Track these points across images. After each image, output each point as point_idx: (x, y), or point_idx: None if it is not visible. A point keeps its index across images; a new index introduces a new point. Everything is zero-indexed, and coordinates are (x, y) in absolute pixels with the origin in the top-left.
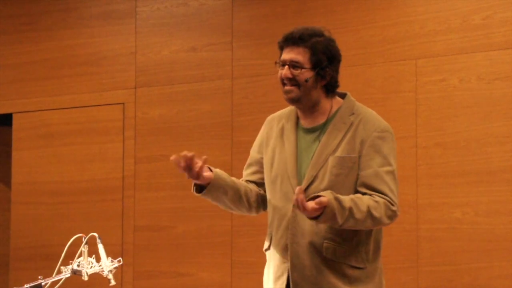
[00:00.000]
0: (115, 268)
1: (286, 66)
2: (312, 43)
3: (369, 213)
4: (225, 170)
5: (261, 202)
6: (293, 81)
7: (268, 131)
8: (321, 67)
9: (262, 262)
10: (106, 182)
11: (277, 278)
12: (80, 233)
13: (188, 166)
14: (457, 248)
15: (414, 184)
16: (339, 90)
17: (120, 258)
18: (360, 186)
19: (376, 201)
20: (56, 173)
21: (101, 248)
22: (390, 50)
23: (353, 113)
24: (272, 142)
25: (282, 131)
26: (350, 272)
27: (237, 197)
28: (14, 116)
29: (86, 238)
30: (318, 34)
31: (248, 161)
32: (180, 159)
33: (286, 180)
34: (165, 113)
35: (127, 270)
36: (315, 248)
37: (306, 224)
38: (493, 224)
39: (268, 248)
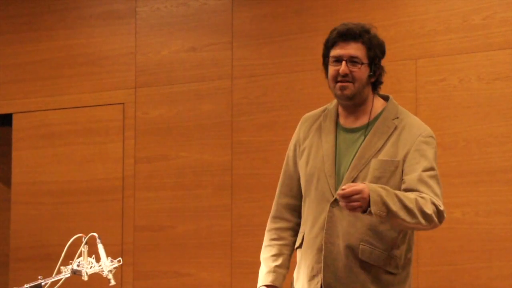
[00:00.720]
0: (115, 268)
1: (344, 62)
2: (368, 39)
3: (418, 206)
4: (225, 170)
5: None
6: (349, 77)
7: (304, 130)
8: (375, 62)
9: None
10: (106, 182)
11: (311, 278)
12: (80, 233)
13: None
14: (457, 248)
15: None
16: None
17: (120, 258)
18: (404, 190)
19: (423, 197)
20: (56, 173)
21: (101, 248)
22: (390, 50)
23: (397, 117)
24: (308, 141)
25: (320, 129)
26: (384, 276)
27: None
28: (14, 116)
29: (86, 238)
30: (370, 30)
31: (282, 177)
32: None
33: (323, 179)
34: (165, 113)
35: (127, 270)
36: (350, 250)
37: (343, 225)
38: (493, 224)
39: (300, 247)
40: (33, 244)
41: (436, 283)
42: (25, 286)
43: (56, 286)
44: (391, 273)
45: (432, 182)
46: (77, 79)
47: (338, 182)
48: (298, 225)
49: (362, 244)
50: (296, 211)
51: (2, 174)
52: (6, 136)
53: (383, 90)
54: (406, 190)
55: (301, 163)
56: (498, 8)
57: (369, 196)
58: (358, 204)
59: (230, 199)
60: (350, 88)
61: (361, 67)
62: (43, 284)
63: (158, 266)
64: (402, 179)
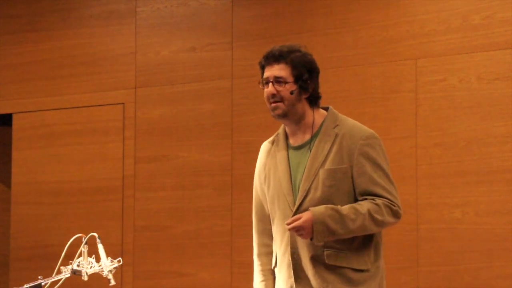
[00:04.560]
0: (115, 268)
1: (270, 84)
2: (291, 58)
3: (370, 216)
4: (225, 170)
5: None
6: (278, 97)
7: (262, 157)
8: (302, 79)
9: None
10: (106, 182)
11: None
12: (80, 233)
13: None
14: (457, 248)
15: (414, 184)
16: (322, 104)
17: (120, 258)
18: (359, 194)
19: (376, 204)
20: (56, 173)
21: (101, 248)
22: (390, 50)
23: (337, 125)
24: (267, 167)
25: (274, 153)
26: (354, 275)
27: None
28: (14, 116)
29: (86, 238)
30: (296, 50)
31: (253, 206)
32: None
33: (283, 198)
34: (165, 113)
35: (127, 270)
36: (316, 258)
37: None
38: (493, 224)
39: (275, 266)
40: (33, 244)
41: (436, 283)
42: (25, 286)
43: (56, 286)
44: (361, 271)
45: (383, 182)
46: (77, 79)
47: (295, 198)
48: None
49: (326, 250)
50: (271, 234)
51: (2, 174)
52: (6, 136)
53: (383, 89)
54: (361, 193)
55: (265, 188)
56: (498, 8)
57: (312, 228)
58: (303, 236)
59: (230, 199)
60: (281, 107)
61: (286, 86)
62: (43, 284)
63: (158, 266)
64: (354, 183)
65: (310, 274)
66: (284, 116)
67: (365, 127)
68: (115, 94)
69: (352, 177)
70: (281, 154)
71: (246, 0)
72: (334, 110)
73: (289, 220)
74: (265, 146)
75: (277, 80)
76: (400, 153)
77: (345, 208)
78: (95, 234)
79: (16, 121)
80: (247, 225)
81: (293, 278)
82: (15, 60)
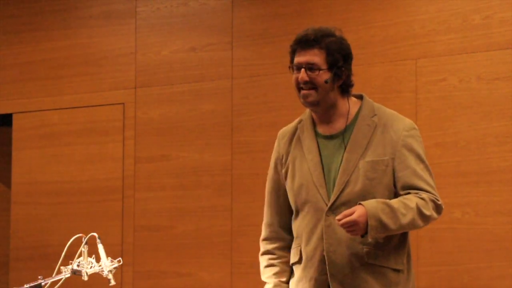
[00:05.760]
0: (115, 268)
1: (303, 69)
2: (326, 44)
3: (419, 210)
4: (225, 170)
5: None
6: (311, 84)
7: (284, 145)
8: (337, 66)
9: None
10: (106, 182)
11: None
12: (80, 233)
13: None
14: (457, 248)
15: None
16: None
17: (120, 258)
18: (401, 188)
19: (423, 198)
20: (56, 173)
21: (101, 248)
22: (390, 50)
23: (375, 114)
24: (290, 155)
25: (299, 141)
26: (392, 275)
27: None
28: (14, 116)
29: (86, 238)
30: (331, 34)
31: (268, 197)
32: None
33: (313, 190)
34: (165, 113)
35: (127, 270)
36: (355, 255)
37: (343, 232)
38: (493, 224)
39: (298, 262)
40: (33, 244)
41: (436, 283)
42: (25, 286)
43: (56, 286)
44: (397, 270)
45: (426, 176)
46: (77, 79)
47: (329, 190)
48: (292, 242)
49: (366, 247)
50: (289, 228)
51: (2, 174)
52: (6, 136)
53: (383, 89)
54: (403, 187)
55: (288, 180)
56: (498, 8)
57: (366, 223)
58: (355, 232)
59: (230, 199)
60: (313, 95)
61: (319, 73)
62: (43, 284)
63: (158, 266)
64: (395, 177)
65: (347, 271)
66: (316, 104)
67: (404, 117)
68: (115, 94)
69: (393, 170)
70: (310, 143)
71: (246, 0)
72: (369, 99)
73: (340, 216)
74: (285, 133)
75: (310, 67)
76: None
77: (395, 202)
78: (95, 234)
79: (16, 121)
80: (247, 225)
81: (327, 275)
82: (15, 60)
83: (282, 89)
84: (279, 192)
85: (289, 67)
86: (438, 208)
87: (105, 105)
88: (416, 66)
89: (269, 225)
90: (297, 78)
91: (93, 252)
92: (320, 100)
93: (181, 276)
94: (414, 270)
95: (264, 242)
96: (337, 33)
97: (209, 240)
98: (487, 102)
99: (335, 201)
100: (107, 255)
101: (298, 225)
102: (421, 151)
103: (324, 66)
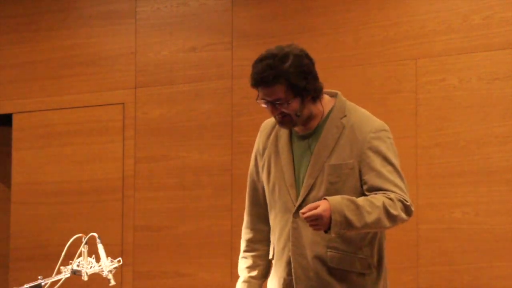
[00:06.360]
0: (114, 268)
1: (270, 105)
2: (284, 77)
3: (385, 210)
4: (225, 170)
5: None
6: (283, 113)
7: (263, 139)
8: (303, 88)
9: None
10: (106, 182)
11: None
12: (80, 233)
13: None
14: (457, 248)
15: (414, 184)
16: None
17: (120, 258)
18: (367, 190)
19: (390, 198)
20: (56, 173)
21: (100, 248)
22: (390, 50)
23: (345, 115)
24: (267, 151)
25: (276, 138)
26: (356, 279)
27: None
28: (14, 116)
29: (86, 238)
30: (285, 59)
31: (248, 189)
32: None
33: (284, 189)
34: (165, 113)
35: (127, 270)
36: (319, 259)
37: (308, 235)
38: (493, 224)
39: (273, 258)
40: (33, 244)
41: (436, 283)
42: (25, 286)
43: (56, 286)
44: (363, 274)
45: (393, 177)
46: (77, 79)
47: (298, 191)
48: (269, 233)
49: (330, 251)
50: (266, 220)
51: (2, 174)
52: (6, 136)
53: (383, 89)
54: (369, 190)
55: (264, 175)
56: (498, 8)
57: (330, 219)
58: (318, 227)
59: (230, 199)
60: (290, 122)
61: (288, 105)
62: (43, 284)
63: (158, 266)
64: (361, 180)
65: (311, 274)
66: (293, 126)
67: (374, 118)
68: (115, 94)
69: (359, 173)
70: (285, 142)
71: (246, 0)
72: (343, 98)
73: (304, 209)
74: (265, 127)
75: (277, 103)
76: (400, 153)
77: (361, 200)
78: (95, 234)
79: (16, 121)
80: None
81: (293, 276)
82: (15, 60)
83: None
84: (258, 184)
85: (256, 100)
86: (407, 209)
87: (105, 105)
88: (416, 66)
89: (248, 215)
90: (268, 110)
91: (93, 252)
92: (297, 121)
93: (181, 276)
94: (415, 270)
95: (243, 230)
96: (291, 53)
97: (209, 240)
98: (487, 102)
99: (301, 203)
100: (107, 255)
101: (272, 221)
102: (389, 153)
103: (290, 97)
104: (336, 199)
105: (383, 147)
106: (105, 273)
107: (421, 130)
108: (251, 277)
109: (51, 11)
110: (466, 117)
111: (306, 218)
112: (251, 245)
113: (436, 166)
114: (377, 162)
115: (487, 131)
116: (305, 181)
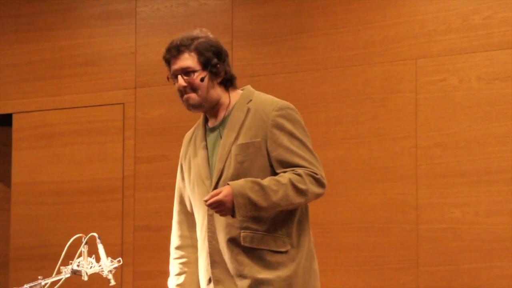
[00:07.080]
0: (115, 268)
1: (179, 76)
2: (195, 45)
3: (292, 185)
4: None
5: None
6: (190, 87)
7: (184, 147)
8: (211, 64)
9: None
10: (106, 182)
11: (208, 281)
12: (80, 233)
13: None
14: (457, 248)
15: (414, 184)
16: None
17: (120, 258)
18: (277, 167)
19: (298, 174)
20: (56, 173)
21: (101, 248)
22: (390, 50)
23: (250, 100)
24: (187, 155)
25: (194, 140)
26: (271, 257)
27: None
28: (14, 116)
29: (86, 238)
30: (197, 36)
31: (175, 196)
32: None
33: (201, 183)
34: (165, 113)
35: (127, 270)
36: (233, 241)
37: (222, 220)
38: (493, 224)
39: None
40: (33, 244)
41: (436, 283)
42: (25, 286)
43: (56, 286)
44: (279, 252)
45: (302, 152)
46: (77, 79)
47: (213, 180)
48: (195, 240)
49: (243, 232)
50: (194, 226)
51: (2, 174)
52: (6, 136)
53: (383, 89)
54: (279, 166)
55: (186, 178)
56: (498, 8)
57: (233, 203)
58: (224, 213)
59: None
60: (194, 98)
61: (195, 75)
62: (43, 284)
63: (158, 266)
64: (270, 158)
65: (227, 257)
66: (198, 106)
67: (279, 99)
68: (115, 94)
69: (267, 151)
70: (200, 140)
71: (246, 0)
72: (252, 89)
73: (207, 197)
74: (186, 136)
75: (185, 71)
76: (400, 153)
77: (265, 180)
78: (95, 234)
79: (16, 121)
80: None
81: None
82: (15, 60)
83: (282, 89)
84: (184, 191)
85: (167, 78)
86: (318, 182)
87: (105, 105)
88: (416, 66)
89: (175, 222)
90: (178, 87)
91: (93, 252)
92: (202, 101)
93: None
94: (415, 270)
95: (171, 239)
96: (203, 34)
97: None
98: (487, 102)
99: (214, 189)
100: (107, 255)
101: (196, 218)
102: (294, 130)
103: (198, 67)
104: (238, 182)
105: (287, 124)
106: (105, 273)
107: (421, 130)
108: (177, 285)
109: (51, 11)
110: (466, 117)
111: (208, 205)
112: (178, 252)
113: (436, 166)
114: (284, 139)
115: (487, 131)
116: (216, 166)
